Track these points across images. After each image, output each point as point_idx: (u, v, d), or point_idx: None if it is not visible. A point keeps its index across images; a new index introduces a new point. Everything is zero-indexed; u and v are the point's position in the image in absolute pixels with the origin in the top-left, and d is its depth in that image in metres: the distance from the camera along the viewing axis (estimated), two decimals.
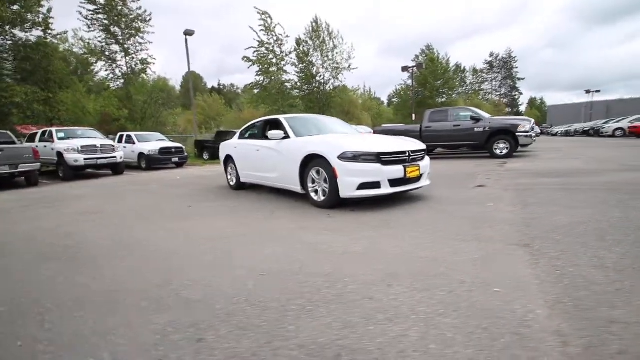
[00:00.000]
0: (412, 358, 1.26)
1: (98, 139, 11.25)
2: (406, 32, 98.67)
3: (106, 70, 19.83)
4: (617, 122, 20.59)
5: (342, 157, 3.77)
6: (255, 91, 28.67)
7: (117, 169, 11.15)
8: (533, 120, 10.24)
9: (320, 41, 29.06)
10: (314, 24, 29.10)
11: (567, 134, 30.12)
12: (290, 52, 27.67)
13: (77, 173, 10.36)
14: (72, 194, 6.74)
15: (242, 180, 5.97)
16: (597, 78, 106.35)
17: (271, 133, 4.78)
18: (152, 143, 13.43)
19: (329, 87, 29.94)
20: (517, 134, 9.58)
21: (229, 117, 42.06)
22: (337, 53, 29.24)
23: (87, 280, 2.19)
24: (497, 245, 2.48)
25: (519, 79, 41.73)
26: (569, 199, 3.88)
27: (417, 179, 4.13)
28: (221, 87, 75.85)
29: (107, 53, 19.45)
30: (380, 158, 3.78)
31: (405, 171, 3.89)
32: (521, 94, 45.66)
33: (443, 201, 4.13)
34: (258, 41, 25.37)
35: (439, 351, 1.29)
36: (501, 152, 9.81)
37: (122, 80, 20.80)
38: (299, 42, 28.89)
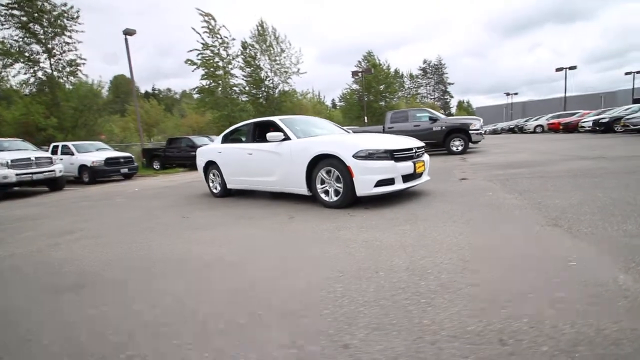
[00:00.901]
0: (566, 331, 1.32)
1: (30, 151, 9.79)
2: (340, 40, 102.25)
3: (25, 73, 17.21)
4: (537, 120, 23.73)
5: (357, 155, 3.79)
6: (195, 96, 27.35)
7: (56, 184, 9.79)
8: (482, 120, 11.34)
9: (267, 45, 28.79)
10: (259, 28, 28.74)
11: (494, 132, 33.81)
12: (237, 56, 26.99)
13: (5, 191, 8.85)
14: (18, 215, 5.74)
15: (229, 186, 5.66)
16: (510, 82, 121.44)
17: (270, 135, 4.62)
18: (95, 153, 12.07)
19: (279, 91, 29.75)
20: (469, 131, 10.52)
21: (170, 123, 39.48)
22: (284, 57, 29.21)
23: (142, 307, 1.89)
24: (534, 227, 2.70)
25: (449, 84, 46.00)
26: (550, 185, 4.38)
27: (421, 174, 4.32)
28: (156, 91, 70.89)
29: (26, 54, 16.94)
30: (393, 155, 3.88)
31: (414, 167, 4.04)
32: (452, 97, 50.88)
33: (446, 194, 4.36)
34: (202, 43, 24.32)
35: (567, 326, 1.37)
36: (457, 149, 10.69)
37: (44, 85, 18.24)
38: (245, 45, 28.31)
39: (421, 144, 4.52)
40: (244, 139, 5.57)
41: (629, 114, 13.65)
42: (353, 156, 3.79)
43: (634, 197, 3.32)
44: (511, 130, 29.08)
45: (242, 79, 28.34)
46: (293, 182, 4.47)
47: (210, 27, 24.31)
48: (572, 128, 18.45)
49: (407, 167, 3.95)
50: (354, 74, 32.00)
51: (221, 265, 2.45)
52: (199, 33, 24.06)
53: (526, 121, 26.52)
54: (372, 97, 37.84)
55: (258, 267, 2.33)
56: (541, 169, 5.96)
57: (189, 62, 24.46)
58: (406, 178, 3.97)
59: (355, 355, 1.29)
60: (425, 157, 4.53)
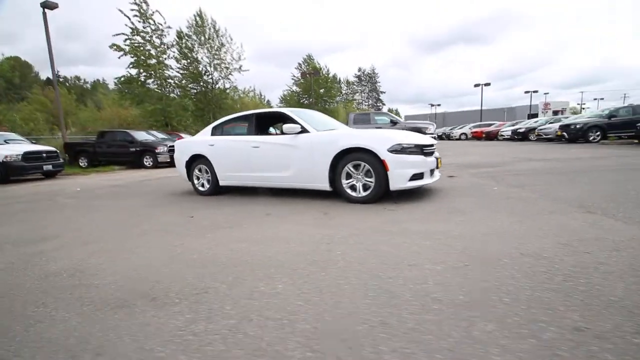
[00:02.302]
0: None
1: None
2: (275, 41, 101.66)
3: None
4: (461, 128, 26.70)
5: (392, 149, 3.76)
6: (111, 87, 24.44)
7: None
8: (435, 124, 12.32)
9: (207, 37, 27.12)
10: (197, 18, 26.92)
11: None
12: (172, 45, 24.84)
13: None
14: None
15: (221, 183, 5.13)
16: (429, 94, 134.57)
17: (287, 127, 4.32)
18: (9, 146, 9.87)
19: (220, 87, 28.23)
20: (426, 134, 11.34)
21: (83, 115, 34.32)
22: (225, 52, 27.84)
23: (303, 319, 1.56)
24: (573, 213, 2.98)
25: (381, 92, 49.02)
26: (535, 180, 4.94)
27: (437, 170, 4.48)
28: (61, 79, 61.15)
29: None
30: (422, 150, 3.95)
31: (437, 162, 4.18)
32: (384, 104, 54.41)
33: (454, 190, 4.59)
34: (131, 28, 21.81)
35: None
36: None
37: None
38: (180, 35, 26.23)
39: (433, 141, 4.69)
40: (241, 131, 5.10)
41: (540, 125, 16.21)
42: (388, 150, 3.75)
43: (626, 188, 3.92)
44: (439, 137, 32.25)
45: (178, 72, 26.16)
46: (312, 177, 4.24)
47: (142, 10, 21.93)
48: (492, 136, 21.22)
49: (432, 162, 4.06)
50: (303, 74, 32.05)
51: (305, 264, 2.17)
52: (127, 16, 21.51)
53: (452, 129, 29.67)
54: (312, 99, 38.34)
55: (352, 265, 2.11)
56: (508, 168, 6.69)
57: (115, 47, 21.71)
58: (431, 173, 4.08)
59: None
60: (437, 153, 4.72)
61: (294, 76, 40.41)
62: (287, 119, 4.64)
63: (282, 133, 5.43)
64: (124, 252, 2.68)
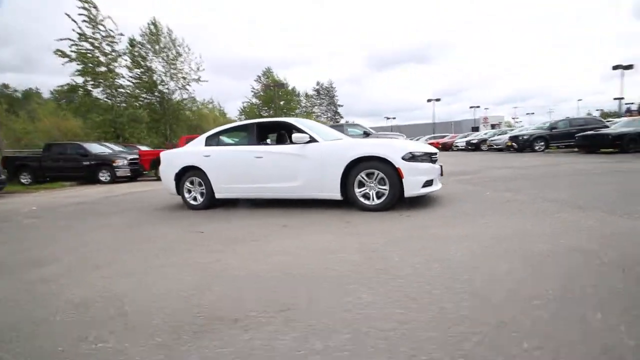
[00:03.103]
0: None
1: None
2: (230, 54, 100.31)
3: None
4: (418, 139, 28.27)
5: (406, 157, 3.86)
6: (46, 96, 22.34)
7: None
8: (404, 135, 12.88)
9: (162, 47, 25.97)
10: (151, 27, 25.72)
11: None
12: (124, 53, 23.39)
13: None
14: None
15: (218, 196, 4.86)
16: (382, 108, 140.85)
17: (296, 136, 4.24)
18: None
19: (176, 97, 27.02)
20: None
21: (16, 127, 30.56)
22: (182, 62, 26.82)
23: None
24: (578, 213, 3.27)
25: (339, 106, 50.35)
26: (519, 185, 5.37)
27: None
28: None
29: None
30: (430, 157, 4.11)
31: (441, 170, 4.36)
32: (342, 117, 55.90)
33: (451, 196, 4.81)
34: (79, 33, 20.20)
35: None
36: None
37: None
38: (132, 43, 24.81)
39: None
40: (240, 141, 4.91)
41: (491, 137, 17.72)
42: (402, 158, 3.84)
43: (604, 189, 4.41)
44: None
45: (130, 81, 24.61)
46: (322, 186, 4.19)
47: (92, 16, 20.44)
48: (448, 147, 22.75)
49: (438, 169, 4.23)
50: (267, 86, 31.77)
51: (372, 272, 2.12)
52: (74, 21, 19.91)
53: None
54: (272, 112, 38.19)
55: (420, 271, 2.11)
56: (483, 175, 7.19)
57: (59, 53, 19.92)
58: (437, 180, 4.25)
59: None
60: None
61: (254, 88, 40.06)
62: (293, 129, 4.56)
63: (279, 143, 5.34)
64: (151, 273, 2.40)
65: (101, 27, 20.81)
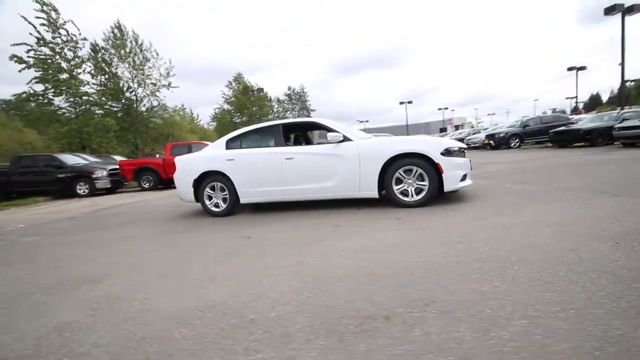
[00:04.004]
0: None
1: None
2: (193, 59, 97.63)
3: None
4: None
5: (444, 153, 3.95)
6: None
7: None
8: (391, 135, 13.18)
9: (128, 51, 24.76)
10: (116, 31, 24.47)
11: None
12: (87, 59, 22.06)
13: None
14: None
15: (243, 201, 4.68)
16: (350, 111, 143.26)
17: (332, 135, 4.20)
18: None
19: (146, 105, 25.82)
20: None
21: None
22: (150, 68, 25.69)
23: None
24: (609, 199, 3.50)
25: (311, 110, 50.50)
26: (528, 178, 5.67)
27: None
28: None
29: None
30: (464, 152, 4.23)
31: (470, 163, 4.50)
32: None
33: (477, 189, 4.98)
34: (37, 38, 18.79)
35: None
36: None
37: None
38: (95, 49, 23.44)
39: None
40: (264, 143, 4.76)
41: (466, 136, 18.59)
42: (441, 153, 3.92)
43: (612, 177, 4.75)
44: None
45: (94, 88, 23.20)
46: (358, 185, 4.17)
47: (51, 19, 19.10)
48: None
49: (469, 164, 4.36)
50: (245, 91, 31.15)
51: (481, 263, 2.13)
52: (32, 24, 18.50)
53: None
54: (245, 118, 37.62)
55: (529, 259, 2.16)
56: (482, 170, 7.51)
57: (16, 59, 18.39)
58: (469, 174, 4.36)
59: None
60: None
61: (224, 94, 39.25)
62: (323, 128, 4.52)
63: (297, 144, 5.27)
64: (236, 279, 2.26)
65: (62, 32, 19.50)
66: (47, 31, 18.99)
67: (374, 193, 4.16)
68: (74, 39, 20.14)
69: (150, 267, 2.76)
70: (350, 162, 4.17)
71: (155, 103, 26.26)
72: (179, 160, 5.08)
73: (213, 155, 4.82)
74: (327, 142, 4.32)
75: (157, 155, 18.60)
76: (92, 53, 22.87)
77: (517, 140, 14.61)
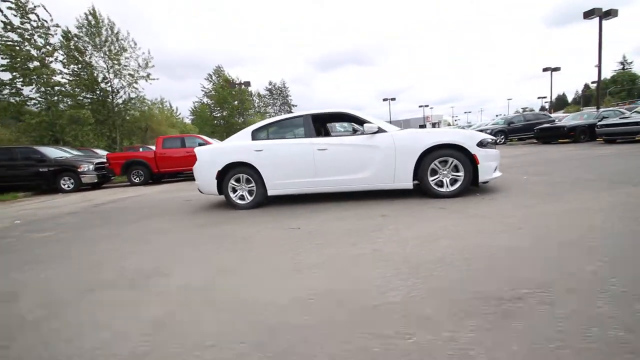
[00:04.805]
0: None
1: None
2: (167, 53, 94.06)
3: None
4: None
5: (479, 144, 4.04)
6: None
7: None
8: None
9: (103, 40, 23.49)
10: (90, 18, 23.12)
11: None
12: (60, 47, 20.74)
13: None
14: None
15: (271, 193, 4.58)
16: (325, 107, 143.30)
17: (368, 126, 4.18)
18: None
19: (123, 96, 24.62)
20: None
21: None
22: (127, 58, 24.51)
23: None
24: (631, 188, 3.73)
25: (293, 105, 50.15)
26: (541, 170, 5.92)
27: None
28: None
29: None
30: (495, 144, 4.34)
31: None
32: None
33: (498, 181, 5.13)
34: (4, 22, 17.44)
35: None
36: None
37: None
38: (68, 36, 22.05)
39: None
40: (292, 134, 4.68)
41: None
42: (477, 145, 4.01)
43: (619, 168, 5.05)
44: None
45: (66, 78, 21.87)
46: (393, 176, 4.19)
47: (20, 3, 17.78)
48: None
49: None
50: (232, 85, 30.30)
51: (570, 247, 2.21)
52: None
53: None
54: (227, 112, 36.80)
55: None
56: None
57: None
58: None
59: None
60: None
61: (204, 87, 38.18)
62: (354, 119, 4.51)
63: (326, 134, 5.24)
64: (324, 267, 2.21)
65: (32, 17, 18.19)
66: (15, 15, 17.66)
67: (408, 184, 4.19)
68: (45, 25, 18.87)
69: (209, 259, 2.64)
70: (386, 153, 4.17)
71: (133, 95, 25.08)
72: (200, 151, 4.88)
73: (239, 146, 4.66)
74: (354, 133, 4.30)
75: (141, 149, 17.92)
76: (64, 41, 21.51)
77: (502, 137, 15.22)
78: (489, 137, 4.19)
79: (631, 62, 49.69)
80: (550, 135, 12.56)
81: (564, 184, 4.33)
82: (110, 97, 24.22)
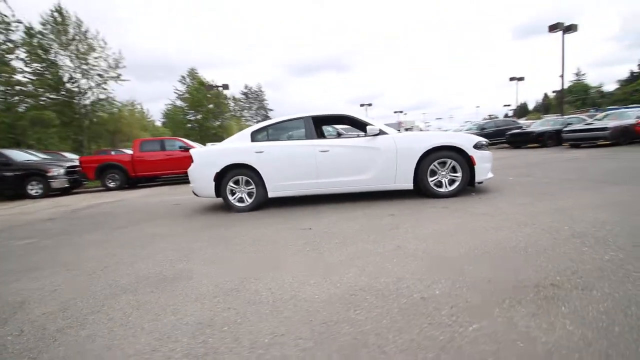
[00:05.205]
0: None
1: None
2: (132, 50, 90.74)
3: None
4: None
5: (476, 146, 4.24)
6: None
7: None
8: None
9: (70, 38, 22.32)
10: (56, 14, 21.90)
11: None
12: (22, 45, 19.51)
13: None
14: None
15: (271, 195, 4.55)
16: (301, 112, 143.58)
17: (371, 128, 4.26)
18: None
19: (91, 97, 23.43)
20: None
21: None
22: (96, 58, 23.42)
23: None
24: (614, 187, 4.06)
25: (269, 110, 49.82)
26: (524, 172, 6.28)
27: None
28: None
29: None
30: (487, 146, 4.56)
31: None
32: None
33: (491, 182, 5.38)
34: None
35: None
36: None
37: None
38: (31, 33, 20.76)
39: None
40: (293, 136, 4.67)
41: None
42: (473, 147, 4.20)
43: (603, 169, 5.46)
44: None
45: (28, 77, 20.56)
46: (394, 177, 4.29)
47: None
48: None
49: None
50: (209, 87, 29.52)
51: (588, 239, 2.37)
52: None
53: None
54: (203, 115, 35.98)
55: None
56: None
57: None
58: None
59: None
60: None
61: (177, 89, 37.14)
62: (355, 121, 4.61)
63: (321, 136, 5.27)
64: (367, 266, 2.23)
65: None
66: None
67: (409, 184, 4.31)
68: (6, 20, 17.69)
69: (228, 261, 2.58)
70: (387, 154, 4.27)
71: (102, 96, 23.92)
72: (196, 153, 4.76)
73: (238, 147, 4.59)
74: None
75: (113, 152, 17.10)
76: (27, 37, 20.19)
77: None
78: (483, 140, 4.41)
79: (584, 74, 53.70)
80: (521, 140, 13.34)
81: (551, 184, 4.63)
82: (77, 98, 22.96)
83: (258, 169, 4.48)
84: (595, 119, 11.53)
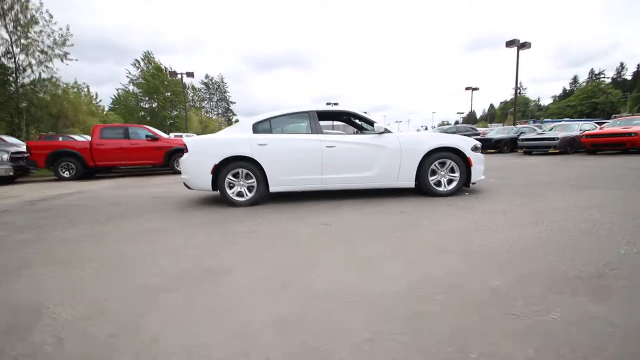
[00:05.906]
0: None
1: None
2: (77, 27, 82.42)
3: None
4: None
5: (473, 148, 4.49)
6: None
7: None
8: None
9: (7, 8, 19.80)
10: None
11: None
12: None
13: None
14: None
15: (273, 189, 4.43)
16: (261, 107, 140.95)
17: (378, 126, 4.33)
18: None
19: (31, 76, 20.99)
20: None
21: None
22: (39, 32, 21.04)
23: None
24: (591, 190, 4.55)
25: (232, 102, 48.20)
26: (501, 175, 6.77)
27: None
28: None
29: None
30: (480, 149, 4.86)
31: None
32: (234, 114, 53.26)
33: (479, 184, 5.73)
34: None
35: None
36: None
37: None
38: None
39: None
40: (297, 129, 4.59)
41: None
42: (471, 149, 4.45)
43: (573, 174, 6.06)
44: None
45: None
46: (397, 175, 4.40)
47: None
48: None
49: None
50: (173, 74, 27.51)
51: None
52: None
53: None
54: (159, 103, 33.84)
55: None
56: None
57: None
58: None
59: None
60: None
61: (130, 73, 34.54)
62: (359, 118, 4.68)
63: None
64: (413, 262, 2.26)
65: None
66: None
67: (410, 183, 4.45)
68: None
69: (257, 258, 2.47)
70: (392, 153, 4.37)
71: (44, 75, 21.51)
72: (192, 142, 4.47)
73: (239, 138, 4.40)
74: (362, 133, 4.42)
75: (61, 139, 15.49)
76: None
77: None
78: (478, 143, 4.68)
79: (525, 88, 59.20)
80: (482, 146, 14.40)
81: (535, 186, 5.05)
82: (15, 75, 20.40)
83: (260, 162, 4.34)
84: (547, 130, 12.81)
